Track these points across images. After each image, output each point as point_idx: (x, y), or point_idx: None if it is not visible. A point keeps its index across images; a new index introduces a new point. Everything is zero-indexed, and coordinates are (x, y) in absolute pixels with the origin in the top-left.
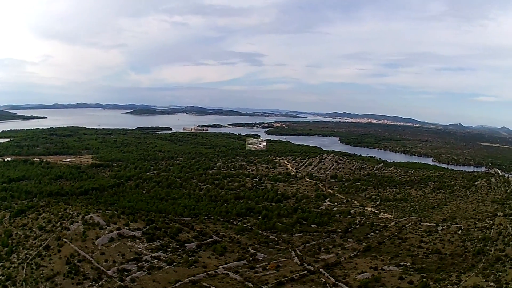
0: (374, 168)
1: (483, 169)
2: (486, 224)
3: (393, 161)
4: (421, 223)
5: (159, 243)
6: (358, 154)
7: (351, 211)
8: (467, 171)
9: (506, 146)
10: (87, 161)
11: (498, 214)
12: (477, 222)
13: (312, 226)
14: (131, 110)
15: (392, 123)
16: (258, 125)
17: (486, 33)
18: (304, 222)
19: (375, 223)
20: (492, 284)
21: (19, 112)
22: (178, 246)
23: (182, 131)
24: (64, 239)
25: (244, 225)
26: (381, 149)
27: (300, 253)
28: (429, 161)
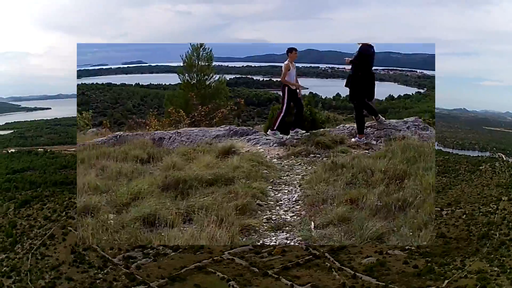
0: None
1: (487, 154)
2: (490, 209)
3: None
4: None
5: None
6: None
7: None
8: (471, 155)
9: (511, 131)
10: None
11: (503, 199)
12: (481, 207)
13: None
14: None
15: None
16: None
17: (490, 18)
18: None
19: None
20: (496, 269)
21: (23, 104)
22: None
23: None
24: (69, 228)
25: None
26: None
27: None
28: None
